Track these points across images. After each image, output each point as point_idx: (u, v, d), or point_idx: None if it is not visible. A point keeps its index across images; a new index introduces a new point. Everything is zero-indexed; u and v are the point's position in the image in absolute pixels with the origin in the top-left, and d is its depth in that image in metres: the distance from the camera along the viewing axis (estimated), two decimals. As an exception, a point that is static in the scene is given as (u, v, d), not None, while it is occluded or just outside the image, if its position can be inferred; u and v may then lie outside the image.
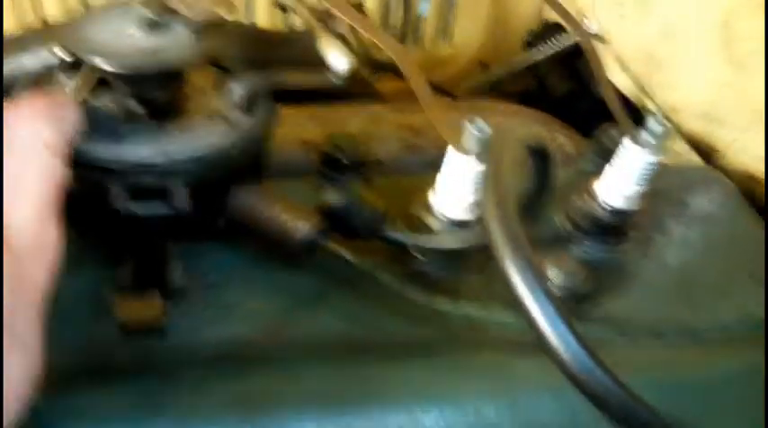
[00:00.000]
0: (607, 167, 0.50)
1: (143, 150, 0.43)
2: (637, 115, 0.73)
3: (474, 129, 0.43)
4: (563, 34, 0.80)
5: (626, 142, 0.48)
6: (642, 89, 0.73)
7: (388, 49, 0.47)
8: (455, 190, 0.46)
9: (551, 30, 0.86)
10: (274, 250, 0.46)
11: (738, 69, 0.63)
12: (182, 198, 0.42)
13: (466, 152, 0.45)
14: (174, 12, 0.44)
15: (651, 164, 0.47)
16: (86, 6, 0.83)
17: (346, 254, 0.44)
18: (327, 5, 0.50)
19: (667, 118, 0.71)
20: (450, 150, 0.46)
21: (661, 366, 0.43)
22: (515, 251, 0.27)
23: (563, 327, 0.26)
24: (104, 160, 0.42)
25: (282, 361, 0.42)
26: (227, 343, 0.43)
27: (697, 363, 0.44)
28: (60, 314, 0.42)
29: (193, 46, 0.43)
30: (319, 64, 0.51)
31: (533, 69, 0.84)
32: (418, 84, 0.45)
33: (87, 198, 0.43)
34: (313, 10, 0.57)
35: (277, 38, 0.63)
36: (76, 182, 0.42)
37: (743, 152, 0.65)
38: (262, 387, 0.41)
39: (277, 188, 0.47)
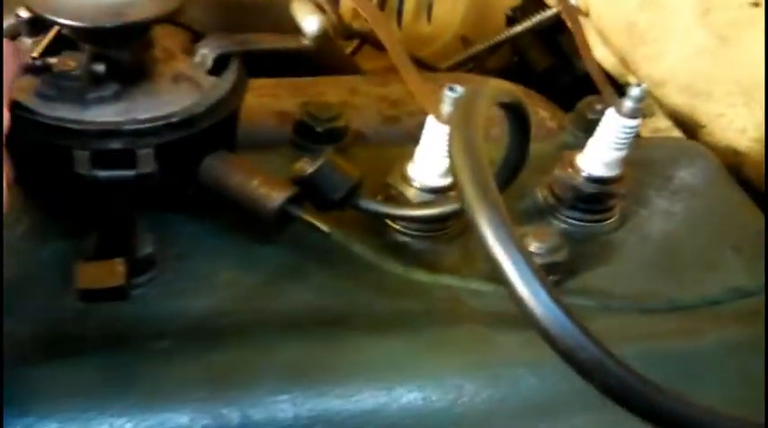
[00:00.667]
0: (590, 140, 0.48)
1: (107, 112, 0.41)
2: (619, 90, 0.72)
3: (450, 93, 0.41)
4: (544, 8, 0.79)
5: (609, 112, 0.46)
6: (625, 63, 0.71)
7: (367, 14, 0.46)
8: (433, 158, 0.45)
9: (532, 5, 0.84)
10: (247, 220, 0.44)
11: (719, 41, 0.62)
12: (148, 162, 0.40)
13: (444, 120, 0.43)
14: (140, -31, 0.42)
15: (630, 127, 0.46)
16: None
17: (321, 225, 0.43)
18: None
19: (652, 91, 0.70)
20: (429, 119, 0.45)
21: (644, 338, 0.42)
22: (485, 200, 0.25)
23: (540, 289, 0.24)
24: (67, 123, 0.40)
25: (255, 334, 0.41)
26: (198, 316, 0.41)
27: (680, 335, 0.43)
28: (25, 284, 0.41)
29: (158, 4, 0.41)
30: (293, 30, 0.49)
31: (515, 44, 0.83)
32: (395, 50, 0.43)
33: (51, 164, 0.41)
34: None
35: (250, 3, 0.61)
36: (39, 147, 0.41)
37: (728, 127, 0.64)
38: (234, 361, 0.39)
39: (250, 158, 0.45)
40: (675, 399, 0.25)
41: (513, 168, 0.41)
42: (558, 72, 0.78)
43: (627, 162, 0.51)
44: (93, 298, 0.38)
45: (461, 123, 0.29)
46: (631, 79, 0.72)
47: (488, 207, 0.25)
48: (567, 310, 0.25)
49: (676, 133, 0.69)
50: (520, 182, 0.48)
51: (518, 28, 0.78)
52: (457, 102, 0.42)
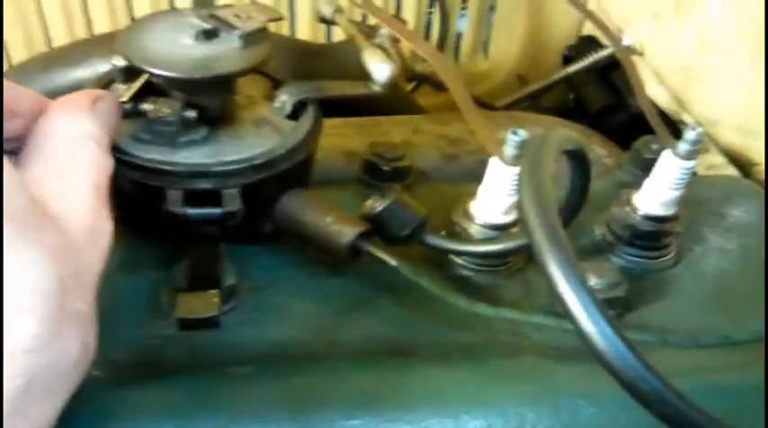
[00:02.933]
0: (646, 179, 0.50)
1: (197, 155, 0.45)
2: (674, 128, 0.74)
3: (513, 137, 0.44)
4: (599, 48, 0.81)
5: (665, 153, 0.49)
6: (679, 102, 0.73)
7: (429, 57, 0.49)
8: (496, 197, 0.47)
9: (587, 44, 0.87)
10: (320, 254, 0.47)
11: (771, 83, 0.63)
12: (233, 201, 0.44)
13: (506, 161, 0.46)
14: (225, 22, 0.46)
15: (686, 169, 0.48)
16: (131, 11, 0.86)
17: (389, 259, 0.45)
18: (371, 17, 0.51)
19: (706, 129, 0.71)
20: (492, 160, 0.47)
21: (699, 371, 0.43)
22: (554, 241, 0.28)
23: (605, 325, 0.26)
24: (161, 164, 0.44)
25: (329, 363, 0.43)
26: (275, 344, 0.44)
27: (733, 369, 0.44)
28: (118, 313, 0.44)
29: (243, 55, 0.45)
30: (361, 75, 0.52)
31: (570, 83, 0.85)
32: (458, 91, 0.46)
33: (145, 202, 0.45)
34: (355, 22, 0.59)
35: (321, 50, 0.65)
36: (134, 186, 0.44)
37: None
38: (309, 387, 0.42)
39: (321, 195, 0.48)
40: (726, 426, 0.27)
41: (573, 209, 0.44)
42: (613, 110, 0.80)
43: (682, 199, 0.53)
44: (190, 326, 0.41)
45: (532, 171, 0.32)
46: (686, 117, 0.74)
47: (558, 251, 0.28)
48: (630, 344, 0.27)
49: (731, 170, 0.70)
50: (580, 219, 0.50)
51: (574, 67, 0.81)
52: (520, 146, 0.45)
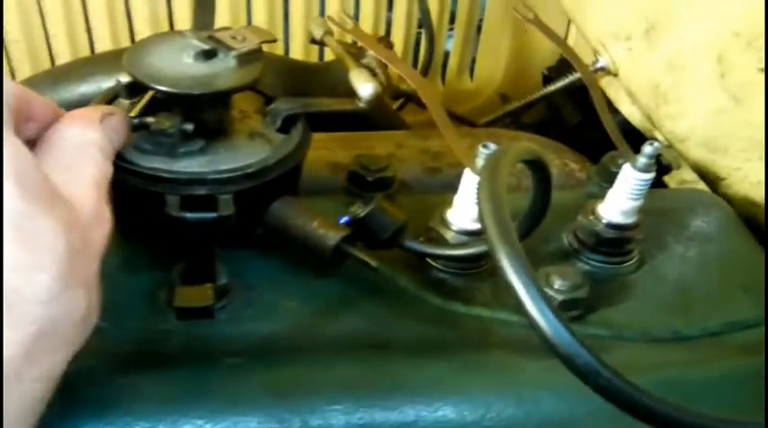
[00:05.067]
0: (609, 191, 0.55)
1: (194, 164, 0.49)
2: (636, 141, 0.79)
3: (484, 150, 0.48)
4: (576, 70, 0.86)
5: (625, 166, 0.53)
6: (650, 120, 0.78)
7: (411, 79, 0.53)
8: (469, 205, 0.52)
9: (566, 65, 0.91)
10: (306, 256, 0.51)
11: (734, 101, 0.68)
12: (227, 206, 0.48)
13: (478, 172, 0.50)
14: (222, 43, 0.51)
15: (643, 180, 0.52)
16: (132, 31, 0.91)
17: (371, 261, 0.49)
18: (359, 41, 0.56)
19: (674, 147, 0.76)
20: (466, 171, 0.52)
21: (653, 368, 0.47)
22: (505, 239, 0.32)
23: (545, 307, 0.30)
24: (161, 172, 0.48)
25: (313, 355, 0.47)
26: (264, 338, 0.48)
27: (686, 365, 0.48)
28: (121, 310, 0.48)
29: (238, 74, 0.49)
30: (348, 93, 0.56)
31: (549, 101, 0.90)
32: (437, 111, 0.51)
33: (145, 207, 0.49)
34: (344, 44, 0.64)
35: (312, 69, 0.69)
36: (136, 192, 0.48)
37: (744, 179, 0.70)
38: (295, 376, 0.46)
39: (309, 203, 0.53)
40: (650, 397, 0.31)
41: (537, 215, 0.48)
42: (588, 127, 0.84)
43: (648, 210, 0.57)
44: (187, 315, 0.45)
45: (488, 177, 0.36)
46: (657, 134, 0.78)
47: (507, 246, 0.32)
48: (566, 324, 0.31)
49: (702, 185, 0.74)
50: (549, 228, 0.54)
51: (551, 87, 0.85)
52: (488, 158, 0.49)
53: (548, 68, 0.98)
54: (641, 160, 0.52)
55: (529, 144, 0.44)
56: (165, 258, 0.51)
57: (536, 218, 0.48)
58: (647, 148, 0.51)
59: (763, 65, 0.65)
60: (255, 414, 0.43)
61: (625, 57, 0.80)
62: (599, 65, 0.83)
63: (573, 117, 0.86)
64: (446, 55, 1.12)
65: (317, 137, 0.66)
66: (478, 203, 0.35)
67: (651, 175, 0.52)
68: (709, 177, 0.73)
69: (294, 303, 0.50)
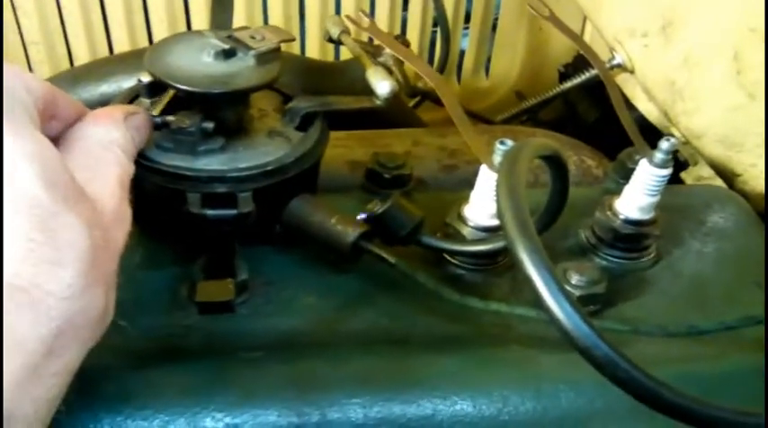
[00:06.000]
0: (625, 187, 0.55)
1: (214, 162, 0.50)
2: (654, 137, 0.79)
3: (501, 146, 0.49)
4: (592, 66, 0.86)
5: (642, 162, 0.53)
6: (667, 116, 0.78)
7: (428, 77, 0.54)
8: (486, 201, 0.52)
9: (582, 61, 0.91)
10: (325, 253, 0.52)
11: (749, 98, 0.68)
12: (247, 203, 0.49)
13: (494, 168, 0.50)
14: (241, 43, 0.51)
15: (660, 176, 0.52)
16: (150, 31, 0.92)
17: (389, 257, 0.50)
18: (376, 39, 0.56)
19: (690, 143, 0.76)
20: (483, 167, 0.52)
21: (669, 361, 0.47)
22: (524, 234, 0.32)
23: (562, 298, 0.31)
24: (182, 170, 0.49)
25: (332, 350, 0.48)
26: (283, 332, 0.49)
27: (703, 359, 0.48)
28: (143, 305, 0.49)
29: (257, 73, 0.50)
30: (365, 91, 0.57)
31: (566, 99, 0.90)
32: (454, 108, 0.51)
33: (167, 204, 0.49)
34: (361, 42, 0.64)
35: (329, 68, 0.70)
36: (157, 190, 0.49)
37: (760, 175, 0.70)
38: (313, 370, 0.46)
39: (327, 200, 0.53)
40: (668, 388, 0.31)
41: (554, 211, 0.48)
42: (605, 124, 0.84)
43: (665, 206, 0.58)
44: (208, 310, 0.46)
45: (507, 173, 0.36)
46: (674, 131, 0.78)
47: (526, 240, 0.32)
48: (585, 316, 0.31)
49: (719, 181, 0.74)
50: (566, 224, 0.55)
51: (568, 84, 0.85)
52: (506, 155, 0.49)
53: (564, 65, 0.98)
54: (658, 156, 0.52)
55: (546, 140, 0.44)
56: (185, 254, 0.52)
57: (553, 214, 0.48)
58: (664, 144, 0.51)
59: (780, 61, 0.65)
60: (275, 407, 0.44)
61: (641, 54, 0.80)
62: (615, 62, 0.82)
63: (590, 114, 0.86)
64: (462, 53, 1.12)
65: (335, 134, 0.66)
66: (497, 199, 0.35)
67: (668, 171, 0.52)
68: (725, 173, 0.73)
69: (312, 299, 0.51)
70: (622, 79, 0.84)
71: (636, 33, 0.80)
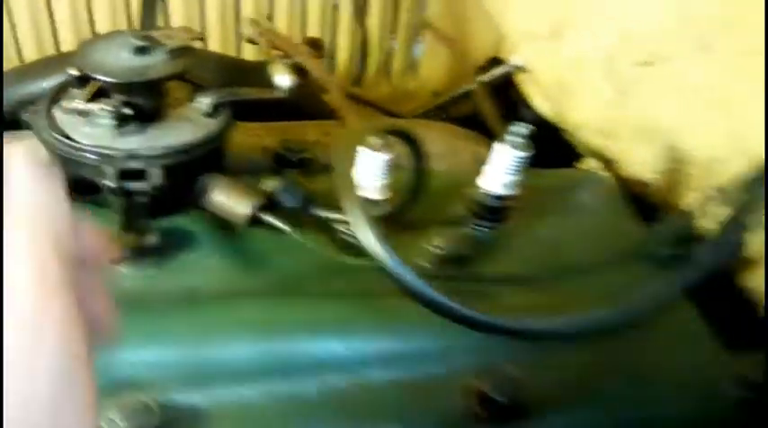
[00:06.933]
0: (487, 166, 0.64)
1: (131, 142, 0.58)
2: (556, 134, 0.88)
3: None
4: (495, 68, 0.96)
5: (497, 146, 0.62)
6: (556, 111, 0.87)
7: (318, 74, 0.62)
8: (366, 178, 0.61)
9: (494, 64, 1.01)
10: (229, 223, 0.60)
11: (620, 94, 0.77)
12: (157, 178, 0.57)
13: (372, 148, 0.59)
14: (156, 41, 0.60)
15: (517, 157, 0.61)
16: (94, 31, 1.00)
17: (282, 225, 0.58)
18: (273, 41, 0.65)
19: (575, 134, 0.85)
20: (361, 149, 0.61)
21: (525, 308, 0.57)
22: (347, 191, 0.41)
23: (371, 233, 0.40)
24: (103, 149, 0.57)
25: (230, 300, 0.56)
26: (186, 289, 0.57)
27: (553, 307, 0.57)
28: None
29: (168, 65, 0.59)
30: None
31: (474, 97, 0.99)
32: (335, 93, 0.60)
33: (91, 179, 0.57)
34: (275, 44, 0.73)
35: (249, 66, 0.78)
36: (82, 166, 0.57)
37: (634, 162, 0.79)
38: (213, 318, 0.55)
39: (233, 178, 0.61)
40: (454, 300, 0.41)
41: (415, 186, 0.57)
42: (506, 120, 0.94)
43: (540, 186, 0.67)
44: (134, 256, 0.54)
45: (342, 147, 0.45)
46: (563, 124, 0.88)
47: (349, 195, 0.41)
48: (392, 250, 0.40)
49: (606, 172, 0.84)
50: (442, 201, 0.64)
51: (471, 85, 0.95)
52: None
53: (480, 67, 1.07)
54: (511, 139, 0.61)
55: (396, 121, 0.52)
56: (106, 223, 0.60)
57: (416, 189, 0.57)
58: (518, 129, 0.60)
59: (642, 60, 0.74)
60: (176, 347, 0.52)
61: (536, 57, 0.90)
62: (516, 63, 0.92)
63: (491, 110, 0.95)
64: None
65: (253, 125, 0.75)
66: (333, 167, 0.44)
67: (524, 153, 0.61)
68: (605, 161, 0.83)
69: (215, 260, 0.59)
70: (523, 79, 0.94)
71: (531, 38, 0.90)
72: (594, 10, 0.80)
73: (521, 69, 0.92)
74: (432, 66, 1.22)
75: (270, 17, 0.67)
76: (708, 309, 0.61)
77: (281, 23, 1.05)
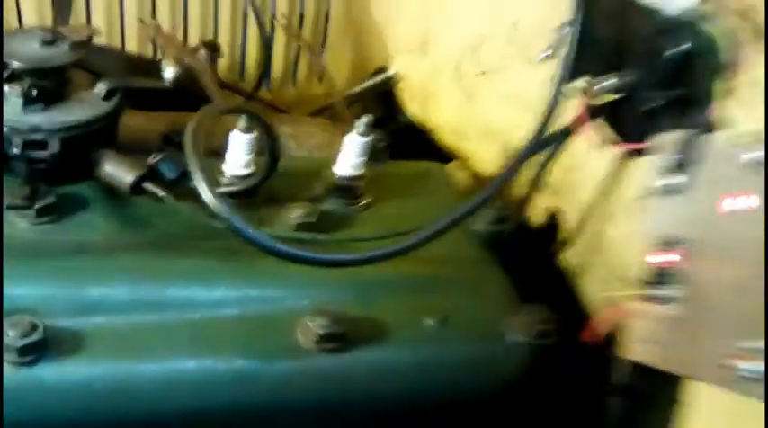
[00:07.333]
0: (341, 153, 0.77)
1: (35, 119, 0.70)
2: (416, 132, 1.03)
3: (243, 119, 0.70)
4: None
5: (348, 135, 0.75)
6: (422, 114, 1.01)
7: (194, 64, 0.75)
8: (235, 155, 0.73)
9: (379, 73, 1.15)
10: (116, 190, 0.72)
11: (467, 98, 0.92)
12: (55, 148, 0.69)
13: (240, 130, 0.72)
14: (61, 35, 0.71)
15: (361, 142, 0.74)
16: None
17: (159, 192, 0.70)
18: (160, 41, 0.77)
19: (436, 134, 0.99)
20: (233, 132, 0.73)
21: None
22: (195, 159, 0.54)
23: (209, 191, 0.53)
24: (12, 123, 0.68)
25: (112, 251, 0.68)
26: (79, 241, 0.69)
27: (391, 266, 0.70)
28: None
29: (68, 55, 0.70)
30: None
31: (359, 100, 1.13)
32: (208, 84, 0.72)
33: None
34: (173, 44, 0.85)
35: (140, 60, 0.90)
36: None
37: (481, 158, 0.93)
38: (97, 263, 0.67)
39: (123, 154, 0.73)
40: (264, 236, 0.53)
41: (271, 160, 0.70)
42: (384, 122, 1.08)
43: (390, 173, 0.80)
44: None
45: (195, 126, 0.58)
46: (428, 124, 1.02)
47: (196, 164, 0.54)
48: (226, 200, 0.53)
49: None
50: (303, 184, 0.77)
51: (356, 88, 1.08)
52: (248, 120, 0.71)
53: (376, 70, 1.20)
54: (359, 128, 0.74)
55: (247, 103, 0.65)
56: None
57: (271, 163, 0.70)
58: (363, 120, 0.74)
59: (480, 71, 0.89)
60: (63, 285, 0.64)
61: (408, 67, 1.04)
62: (392, 72, 1.07)
63: (375, 112, 1.09)
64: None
65: (155, 114, 0.87)
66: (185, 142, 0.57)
67: (366, 139, 0.75)
68: (457, 157, 0.97)
69: (104, 220, 0.71)
70: (399, 87, 1.08)
71: (403, 50, 1.04)
72: (447, 24, 0.94)
73: (396, 78, 1.06)
74: (335, 71, 1.35)
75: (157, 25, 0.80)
76: (511, 269, 0.75)
77: (194, 29, 1.17)
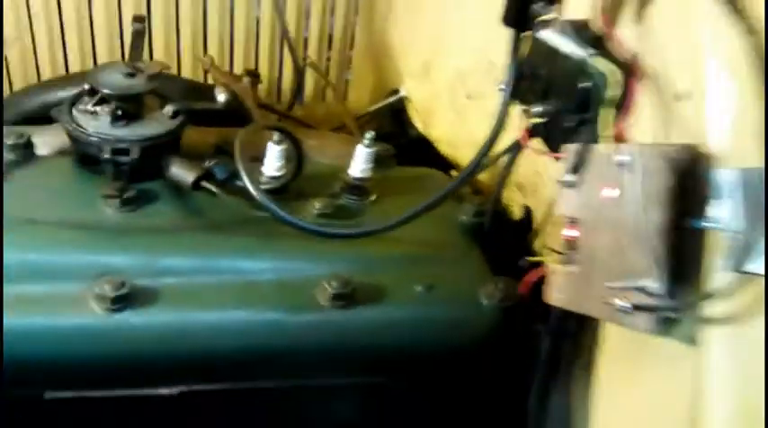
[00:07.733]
0: (353, 160, 0.98)
1: (121, 132, 0.92)
2: (427, 145, 1.23)
3: (277, 133, 0.92)
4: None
5: (359, 146, 0.97)
6: (426, 130, 1.22)
7: (243, 93, 0.97)
8: (271, 161, 0.95)
9: (393, 94, 1.36)
10: (181, 187, 0.94)
11: (458, 115, 1.12)
12: (135, 154, 0.91)
13: (273, 141, 0.93)
14: (139, 69, 0.94)
15: (368, 152, 0.95)
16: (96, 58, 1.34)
17: (214, 190, 0.92)
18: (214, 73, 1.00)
19: (437, 145, 1.20)
20: (269, 147, 0.95)
21: (380, 248, 0.90)
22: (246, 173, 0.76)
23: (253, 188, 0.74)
24: (102, 135, 0.91)
25: (179, 234, 0.90)
26: (152, 226, 0.91)
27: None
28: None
29: (146, 85, 0.93)
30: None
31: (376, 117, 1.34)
32: (253, 109, 0.94)
33: (93, 153, 0.91)
34: (222, 73, 1.08)
35: (199, 86, 1.13)
36: (90, 146, 0.91)
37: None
38: (165, 242, 0.89)
39: (188, 159, 0.95)
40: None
41: (297, 166, 0.91)
42: (398, 136, 1.28)
43: (396, 177, 1.01)
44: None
45: (240, 139, 0.80)
46: (430, 138, 1.22)
47: (243, 167, 0.76)
48: (268, 196, 0.74)
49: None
50: (326, 183, 0.98)
51: (372, 107, 1.30)
52: (280, 136, 0.93)
53: (391, 91, 1.41)
54: (365, 141, 0.95)
55: (279, 122, 0.86)
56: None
57: (296, 168, 0.91)
58: (368, 135, 0.95)
59: (467, 95, 1.10)
60: (139, 256, 0.86)
61: (414, 89, 1.25)
62: (403, 93, 1.28)
63: (388, 127, 1.30)
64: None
65: (206, 129, 1.09)
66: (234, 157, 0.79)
67: (372, 149, 0.96)
68: (453, 166, 1.17)
69: (169, 210, 0.93)
70: (408, 106, 1.29)
71: (411, 74, 1.25)
72: (444, 55, 1.15)
73: (406, 97, 1.27)
74: (359, 91, 1.57)
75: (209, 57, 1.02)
76: (488, 247, 0.95)
77: (238, 60, 1.39)
